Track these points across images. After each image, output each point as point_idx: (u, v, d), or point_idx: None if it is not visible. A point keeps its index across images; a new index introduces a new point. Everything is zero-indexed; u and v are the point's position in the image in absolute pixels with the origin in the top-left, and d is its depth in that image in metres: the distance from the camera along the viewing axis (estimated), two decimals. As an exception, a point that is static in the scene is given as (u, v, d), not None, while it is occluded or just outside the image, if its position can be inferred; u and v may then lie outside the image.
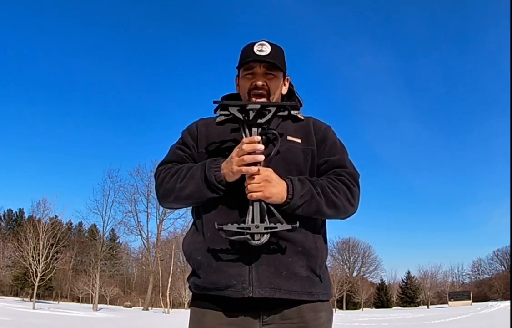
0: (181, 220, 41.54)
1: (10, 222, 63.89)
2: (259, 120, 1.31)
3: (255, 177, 1.23)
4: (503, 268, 62.32)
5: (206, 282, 1.29)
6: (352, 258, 65.67)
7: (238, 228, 1.22)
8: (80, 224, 61.37)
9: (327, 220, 1.44)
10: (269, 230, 1.22)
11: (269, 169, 1.27)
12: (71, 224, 57.88)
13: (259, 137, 1.25)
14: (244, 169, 1.23)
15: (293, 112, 1.43)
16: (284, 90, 1.51)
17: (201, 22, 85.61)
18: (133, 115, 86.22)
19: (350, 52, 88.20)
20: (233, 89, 1.55)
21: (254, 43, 1.42)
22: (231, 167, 1.25)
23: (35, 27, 76.25)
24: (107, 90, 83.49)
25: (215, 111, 1.48)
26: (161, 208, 39.62)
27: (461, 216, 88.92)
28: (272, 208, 1.25)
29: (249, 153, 1.23)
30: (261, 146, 1.24)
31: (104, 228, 39.92)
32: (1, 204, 65.03)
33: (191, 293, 1.39)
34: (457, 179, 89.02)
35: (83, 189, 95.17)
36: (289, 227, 1.21)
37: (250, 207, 1.25)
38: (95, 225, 45.18)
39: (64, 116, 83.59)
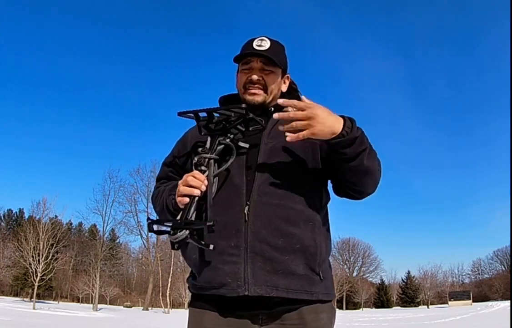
0: (181, 220, 41.38)
1: (10, 222, 63.85)
2: (216, 127, 1.31)
3: (298, 114, 1.17)
4: (503, 268, 62.34)
5: (201, 280, 1.28)
6: (352, 258, 65.70)
7: (165, 223, 1.24)
8: (80, 224, 61.47)
9: (329, 217, 1.40)
10: (184, 226, 1.18)
11: (313, 104, 1.19)
12: (71, 224, 57.98)
13: (202, 176, 1.24)
14: (179, 199, 1.26)
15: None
16: (284, 88, 1.46)
17: (203, 21, 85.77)
18: (133, 115, 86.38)
19: (354, 53, 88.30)
20: (234, 88, 1.52)
21: (255, 39, 1.40)
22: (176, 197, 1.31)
23: (35, 27, 76.39)
24: (107, 90, 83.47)
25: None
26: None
27: (462, 216, 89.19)
28: (208, 207, 1.23)
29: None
30: (196, 182, 1.22)
31: (104, 228, 39.99)
32: (1, 204, 64.99)
33: (190, 294, 1.39)
34: (458, 179, 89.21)
35: (83, 189, 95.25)
36: (205, 224, 1.17)
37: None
38: (95, 225, 45.12)
39: (64, 116, 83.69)
